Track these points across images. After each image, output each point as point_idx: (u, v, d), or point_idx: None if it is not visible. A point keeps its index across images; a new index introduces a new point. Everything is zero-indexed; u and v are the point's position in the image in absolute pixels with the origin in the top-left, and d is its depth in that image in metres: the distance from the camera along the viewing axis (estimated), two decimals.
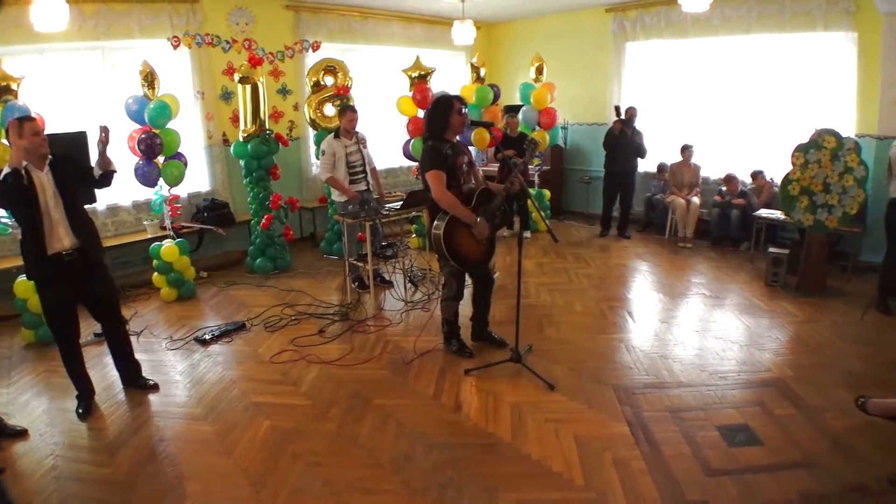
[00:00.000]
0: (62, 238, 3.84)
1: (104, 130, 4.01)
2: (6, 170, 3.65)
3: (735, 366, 4.70)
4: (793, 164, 6.25)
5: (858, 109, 7.34)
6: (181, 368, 4.73)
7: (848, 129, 7.04)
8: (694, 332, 5.40)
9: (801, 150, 6.19)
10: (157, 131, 6.03)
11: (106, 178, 4.13)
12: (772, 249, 6.68)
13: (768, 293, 6.37)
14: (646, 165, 8.94)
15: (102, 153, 4.03)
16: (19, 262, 4.41)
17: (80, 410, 4.04)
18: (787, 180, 6.31)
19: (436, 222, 4.41)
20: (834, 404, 4.06)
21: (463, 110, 4.43)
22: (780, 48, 7.99)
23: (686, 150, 8.49)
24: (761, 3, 7.87)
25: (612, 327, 5.53)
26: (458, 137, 4.59)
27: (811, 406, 4.06)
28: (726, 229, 8.26)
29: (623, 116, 8.33)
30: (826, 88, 7.60)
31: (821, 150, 6.08)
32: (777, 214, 7.17)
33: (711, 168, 8.82)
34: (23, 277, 5.12)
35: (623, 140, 8.32)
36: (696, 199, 8.40)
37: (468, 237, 4.43)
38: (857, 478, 3.28)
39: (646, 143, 8.58)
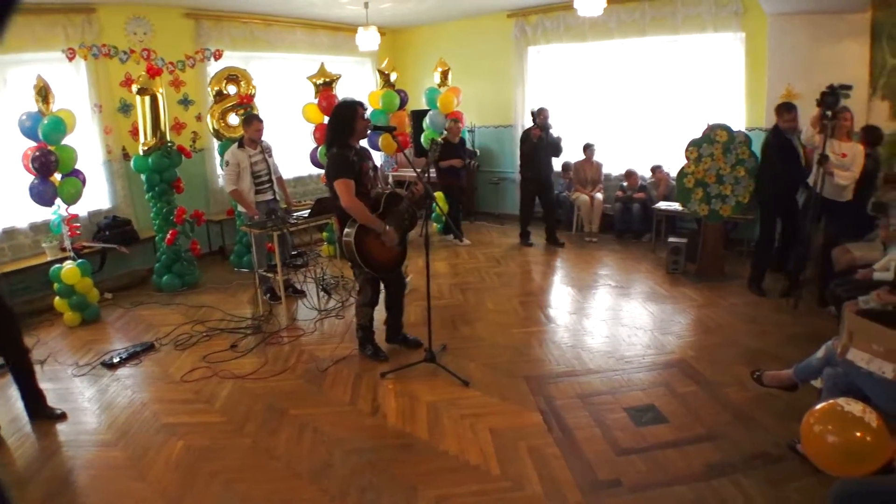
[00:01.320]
0: None
1: None
2: None
3: (641, 350, 4.93)
4: (687, 158, 6.57)
5: (747, 104, 7.83)
6: (89, 395, 4.54)
7: (739, 124, 7.48)
8: (602, 321, 5.62)
9: (695, 144, 6.53)
10: (52, 148, 5.79)
11: None
12: (671, 239, 7.02)
13: (670, 280, 6.68)
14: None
15: None
16: None
17: None
18: (682, 173, 6.63)
19: (346, 230, 4.41)
20: (733, 379, 4.33)
21: (365, 115, 4.46)
22: (674, 49, 8.40)
23: (588, 148, 8.81)
24: (654, 6, 8.28)
25: (523, 322, 5.68)
26: (361, 143, 4.61)
27: (712, 382, 4.32)
28: (629, 222, 8.64)
29: (538, 121, 8.19)
30: (717, 86, 8.04)
31: (713, 143, 6.42)
32: (675, 206, 7.51)
33: (613, 165, 9.19)
34: None
35: (542, 145, 8.24)
36: (599, 195, 8.75)
37: (379, 242, 4.46)
38: (758, 446, 3.51)
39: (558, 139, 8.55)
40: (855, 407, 2.30)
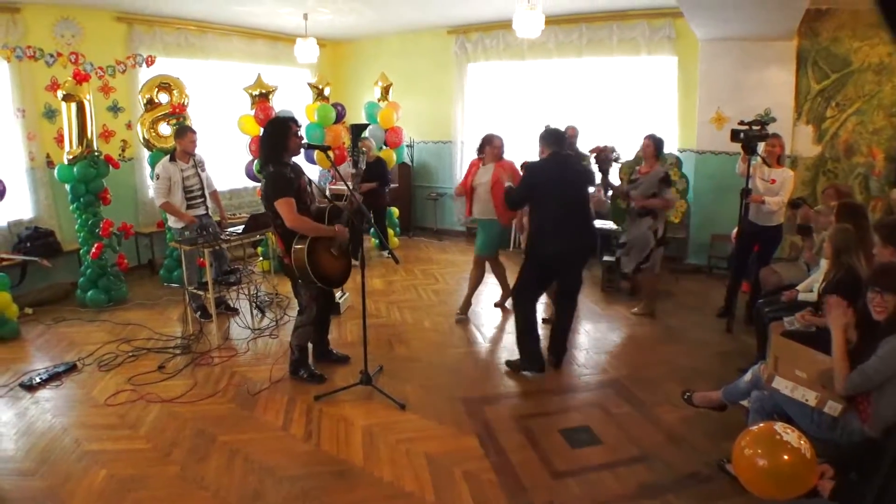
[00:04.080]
0: None
1: None
2: None
3: (576, 370, 4.98)
4: (620, 179, 6.68)
5: (680, 127, 8.06)
6: (6, 419, 4.28)
7: (671, 145, 7.65)
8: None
9: (627, 166, 6.65)
10: None
11: None
12: (605, 258, 7.09)
13: (605, 298, 6.77)
14: None
15: None
16: None
17: None
18: (615, 194, 6.73)
19: (296, 245, 4.29)
20: (665, 399, 4.40)
21: (299, 132, 4.42)
22: (610, 70, 8.58)
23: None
24: (591, 29, 8.46)
25: (460, 341, 5.66)
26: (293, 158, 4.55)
27: (645, 402, 4.38)
28: None
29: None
30: (651, 107, 8.24)
31: None
32: (609, 225, 7.63)
33: None
34: None
35: None
36: None
37: (329, 255, 4.42)
38: (689, 466, 3.57)
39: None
40: (791, 436, 2.34)
